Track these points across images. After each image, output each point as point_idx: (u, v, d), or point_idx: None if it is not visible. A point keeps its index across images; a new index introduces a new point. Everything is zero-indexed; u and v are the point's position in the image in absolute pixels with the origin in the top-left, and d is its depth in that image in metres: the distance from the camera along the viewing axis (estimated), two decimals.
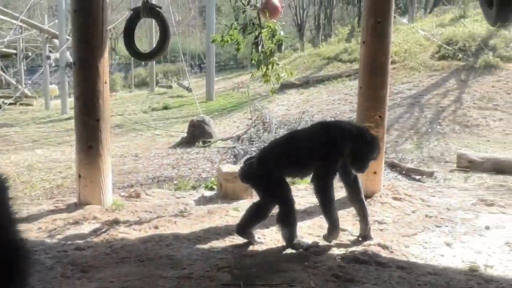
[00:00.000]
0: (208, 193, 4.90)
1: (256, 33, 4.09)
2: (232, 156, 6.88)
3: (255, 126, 8.09)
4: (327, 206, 2.99)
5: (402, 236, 3.27)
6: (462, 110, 8.86)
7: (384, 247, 2.91)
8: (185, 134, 8.55)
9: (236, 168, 4.84)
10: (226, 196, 4.59)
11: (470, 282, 2.38)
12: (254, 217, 3.14)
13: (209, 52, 14.70)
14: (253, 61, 4.50)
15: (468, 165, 6.26)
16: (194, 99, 11.80)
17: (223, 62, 19.42)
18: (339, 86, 11.55)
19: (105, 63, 3.98)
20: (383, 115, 4.49)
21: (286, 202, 3.03)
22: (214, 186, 5.12)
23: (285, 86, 12.65)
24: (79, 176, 4.10)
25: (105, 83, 4.04)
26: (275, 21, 4.17)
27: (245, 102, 11.58)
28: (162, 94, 15.83)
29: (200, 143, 8.02)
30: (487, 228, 3.40)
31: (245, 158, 4.84)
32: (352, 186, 3.16)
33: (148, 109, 12.71)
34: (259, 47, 4.48)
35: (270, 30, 4.15)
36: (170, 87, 16.29)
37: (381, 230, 3.41)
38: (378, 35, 4.18)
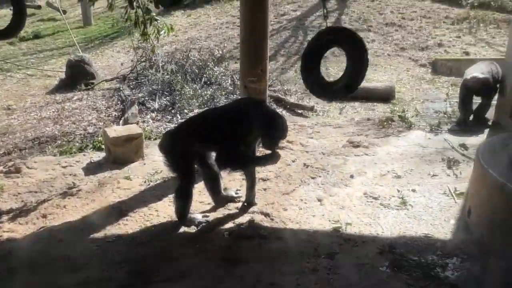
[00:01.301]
0: (96, 157, 4.77)
1: None
2: (119, 103, 6.60)
3: (140, 63, 7.70)
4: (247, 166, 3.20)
5: (282, 194, 3.68)
6: None
7: (266, 214, 3.28)
8: (64, 75, 7.82)
9: (122, 130, 4.73)
10: (116, 160, 4.53)
11: (333, 245, 2.87)
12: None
13: None
14: (128, 21, 4.21)
15: None
16: (67, 25, 10.57)
17: None
18: (227, 7, 11.24)
19: None
20: (264, 68, 4.65)
21: (187, 177, 3.18)
22: (102, 146, 4.98)
23: (171, 7, 11.92)
24: None
25: None
26: None
27: (129, 27, 10.72)
28: (30, 17, 13.71)
29: (82, 86, 7.46)
30: (352, 177, 3.97)
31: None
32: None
33: (15, 40, 11.10)
34: (134, 3, 4.19)
35: None
36: (39, 7, 14.13)
37: (264, 189, 3.78)
38: None
